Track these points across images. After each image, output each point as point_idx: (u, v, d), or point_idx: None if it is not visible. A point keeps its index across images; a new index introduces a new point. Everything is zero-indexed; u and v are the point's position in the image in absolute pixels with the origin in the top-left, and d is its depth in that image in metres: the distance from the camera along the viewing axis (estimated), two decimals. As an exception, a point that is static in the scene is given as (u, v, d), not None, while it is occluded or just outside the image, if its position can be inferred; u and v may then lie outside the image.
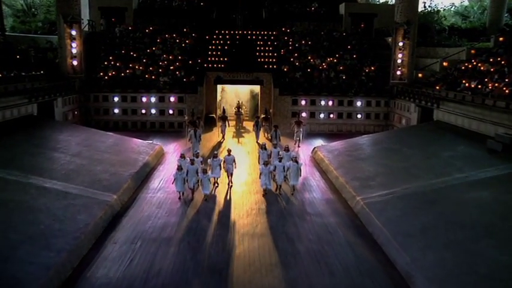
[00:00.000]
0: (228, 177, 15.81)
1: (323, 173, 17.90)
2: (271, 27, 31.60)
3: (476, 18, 39.30)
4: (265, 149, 16.60)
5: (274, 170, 15.23)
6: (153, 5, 34.84)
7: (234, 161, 15.70)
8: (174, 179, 14.38)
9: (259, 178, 15.08)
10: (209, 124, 25.94)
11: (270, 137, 20.14)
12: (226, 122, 23.26)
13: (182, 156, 15.73)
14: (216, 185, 15.79)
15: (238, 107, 27.24)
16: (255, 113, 28.82)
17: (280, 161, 15.21)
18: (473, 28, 36.14)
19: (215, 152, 16.64)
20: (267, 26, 31.74)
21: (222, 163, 15.50)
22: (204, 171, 14.35)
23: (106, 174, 15.16)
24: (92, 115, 25.91)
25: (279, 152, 16.41)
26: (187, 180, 14.35)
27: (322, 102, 26.25)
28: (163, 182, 16.23)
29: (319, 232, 12.32)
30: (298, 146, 21.51)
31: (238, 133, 25.40)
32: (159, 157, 19.63)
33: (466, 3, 44.34)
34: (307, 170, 18.25)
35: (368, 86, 26.91)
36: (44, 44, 29.67)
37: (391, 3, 40.44)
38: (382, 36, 32.63)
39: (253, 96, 30.26)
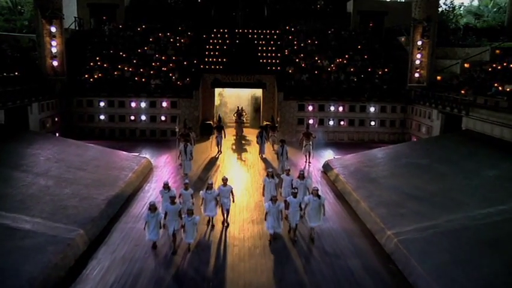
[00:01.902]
0: (224, 214, 11.89)
1: (339, 194, 14.81)
2: (273, 25, 28.54)
3: (491, 17, 36.38)
4: (273, 177, 12.43)
5: (287, 207, 11.18)
6: (147, 2, 31.74)
7: (232, 193, 11.72)
8: (145, 223, 10.29)
9: (265, 219, 10.87)
10: (206, 132, 22.80)
11: (277, 154, 16.65)
12: (223, 133, 19.77)
13: (166, 187, 11.39)
14: (211, 226, 11.82)
15: (239, 114, 23.99)
16: (257, 120, 25.81)
17: (295, 196, 11.06)
18: (490, 27, 33.22)
19: (209, 182, 11.93)
20: (269, 25, 28.69)
21: (217, 196, 11.53)
22: (189, 213, 10.07)
23: (75, 200, 12.06)
24: (75, 122, 22.80)
25: (292, 181, 12.47)
26: (163, 226, 10.36)
27: (332, 108, 23.18)
28: (146, 207, 13.08)
29: (342, 282, 9.24)
30: (309, 163, 18.27)
31: (239, 144, 22.14)
32: (146, 173, 16.54)
33: (476, 2, 41.61)
34: (318, 187, 15.13)
35: (382, 89, 23.83)
36: (27, 43, 26.59)
37: (402, 1, 37.39)
38: (393, 35, 29.55)
39: (255, 101, 27.08)
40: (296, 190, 11.31)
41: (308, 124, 19.61)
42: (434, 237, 10.01)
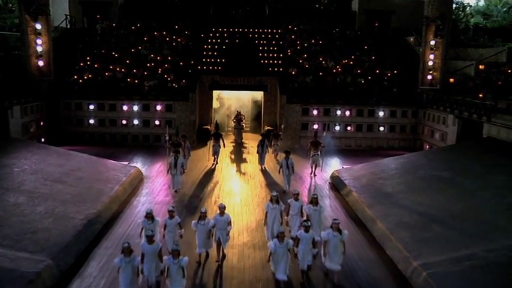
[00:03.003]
0: (219, 252, 9.52)
1: (350, 210, 13.02)
2: (275, 24, 26.76)
3: (501, 16, 34.63)
4: (278, 202, 9.98)
5: (297, 244, 8.78)
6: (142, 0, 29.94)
7: (230, 223, 9.47)
8: (119, 268, 7.89)
9: (268, 261, 8.73)
10: (203, 138, 21.00)
11: (280, 167, 14.27)
12: (221, 141, 17.48)
13: (148, 216, 9.15)
14: (205, 259, 9.65)
15: (239, 119, 21.97)
16: (257, 124, 24.02)
17: (307, 230, 8.70)
18: (501, 27, 31.47)
19: (202, 210, 9.46)
20: (270, 24, 26.89)
21: (212, 228, 9.35)
22: (175, 254, 7.70)
23: (48, 220, 10.27)
24: (63, 127, 20.98)
25: (302, 208, 10.06)
26: (141, 271, 8.05)
27: (338, 112, 21.40)
28: (133, 227, 11.30)
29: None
30: (314, 175, 16.26)
31: (238, 153, 20.08)
32: (136, 185, 14.75)
33: (482, 2, 39.91)
34: (326, 204, 13.43)
35: (392, 92, 22.06)
36: (14, 42, 24.79)
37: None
38: (401, 35, 27.78)
39: (256, 104, 25.26)
40: (308, 223, 8.92)
41: (316, 132, 17.20)
42: (474, 273, 8.22)
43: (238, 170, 17.26)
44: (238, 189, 14.87)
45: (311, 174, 16.25)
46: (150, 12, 28.13)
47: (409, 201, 12.23)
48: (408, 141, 21.78)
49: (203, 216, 9.32)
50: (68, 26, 27.34)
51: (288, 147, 20.03)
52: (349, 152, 20.52)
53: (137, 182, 15.05)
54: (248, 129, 24.21)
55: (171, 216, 9.27)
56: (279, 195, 10.39)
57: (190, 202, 13.42)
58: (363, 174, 15.08)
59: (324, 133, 16.85)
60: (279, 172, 14.19)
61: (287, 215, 10.13)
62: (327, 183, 15.80)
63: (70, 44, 24.41)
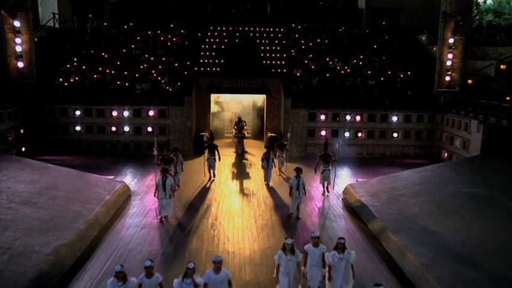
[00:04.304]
0: None
1: (370, 235, 10.90)
2: (277, 23, 24.69)
3: (514, 15, 32.60)
4: (293, 252, 7.34)
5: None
6: (136, -3, 27.89)
7: (230, 283, 6.82)
8: None
9: None
10: (201, 146, 18.80)
11: (290, 188, 11.61)
12: (216, 154, 15.11)
13: (119, 276, 6.44)
14: None
15: (240, 126, 19.46)
16: (259, 130, 21.97)
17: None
18: (515, 25, 29.41)
19: (189, 266, 6.71)
20: (272, 22, 24.83)
21: None
22: None
23: (2, 259, 8.16)
24: (46, 135, 18.89)
25: (324, 255, 7.50)
26: None
27: (348, 117, 19.32)
28: (113, 260, 9.20)
29: None
30: (327, 193, 13.82)
31: (239, 166, 17.55)
32: (121, 204, 12.66)
33: (490, 0, 37.91)
34: (340, 225, 11.39)
35: (406, 95, 19.99)
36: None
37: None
38: (411, 34, 25.72)
39: (258, 109, 23.08)
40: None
41: (326, 143, 14.18)
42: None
43: (239, 186, 14.93)
44: (239, 209, 12.74)
45: (323, 194, 13.79)
46: (145, 10, 26.10)
47: (442, 226, 10.13)
48: (424, 148, 19.71)
49: (190, 272, 6.65)
50: (57, 26, 25.36)
51: (293, 155, 18.10)
52: (360, 161, 18.45)
53: (123, 200, 12.95)
54: (249, 135, 22.10)
55: (149, 274, 6.67)
56: (294, 244, 7.49)
57: (181, 228, 11.28)
58: (381, 190, 12.99)
59: (337, 144, 14.39)
60: (290, 194, 11.70)
61: (304, 266, 7.70)
62: (340, 199, 13.70)
63: (57, 44, 22.38)
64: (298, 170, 11.35)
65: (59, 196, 11.55)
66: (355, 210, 12.53)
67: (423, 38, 24.62)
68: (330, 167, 13.53)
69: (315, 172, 13.71)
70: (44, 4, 28.13)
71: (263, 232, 11.05)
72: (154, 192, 11.45)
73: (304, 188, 11.38)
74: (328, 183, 13.68)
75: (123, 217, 11.90)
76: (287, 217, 12.00)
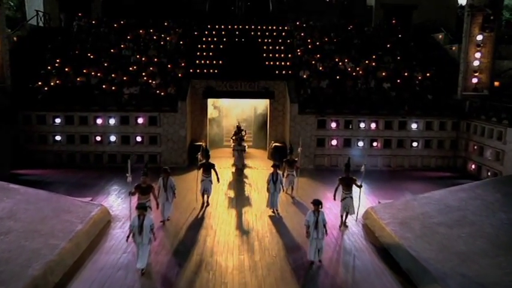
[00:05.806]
0: None
1: (402, 275, 8.48)
2: (281, 20, 22.33)
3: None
4: None
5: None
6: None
7: None
8: None
9: None
10: (196, 158, 16.24)
11: (307, 227, 8.72)
12: (213, 175, 12.15)
13: None
14: None
15: (239, 137, 16.76)
16: (262, 138, 19.58)
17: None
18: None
19: None
20: (276, 19, 22.48)
21: None
22: None
23: None
24: (21, 145, 16.50)
25: None
26: None
27: (362, 125, 16.95)
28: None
29: None
30: (345, 225, 10.98)
31: (239, 185, 14.75)
32: (95, 235, 10.24)
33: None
34: (366, 264, 9.01)
35: (426, 100, 17.62)
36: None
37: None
38: (426, 32, 23.40)
39: (260, 115, 20.48)
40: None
41: (348, 164, 10.91)
42: None
43: (239, 209, 12.33)
44: (239, 240, 10.32)
45: (340, 226, 10.96)
46: (137, 8, 23.81)
47: (501, 270, 7.74)
48: (447, 159, 17.33)
49: None
50: (42, 24, 23.07)
51: (301, 167, 15.50)
52: (376, 174, 15.98)
53: (100, 229, 10.56)
54: (250, 144, 19.71)
55: None
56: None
57: (168, 268, 8.88)
58: (411, 216, 10.58)
59: (362, 167, 11.32)
60: (307, 235, 8.81)
61: None
62: (359, 224, 11.30)
63: (39, 44, 20.05)
64: (317, 204, 8.58)
65: (15, 229, 9.14)
66: (380, 241, 10.14)
67: (440, 36, 22.34)
68: (352, 195, 10.79)
69: (334, 199, 11.01)
70: (30, 1, 25.89)
71: (270, 273, 8.65)
72: (127, 237, 8.66)
73: (324, 225, 8.63)
74: (350, 213, 10.94)
75: (98, 253, 9.50)
76: (298, 253, 9.57)
